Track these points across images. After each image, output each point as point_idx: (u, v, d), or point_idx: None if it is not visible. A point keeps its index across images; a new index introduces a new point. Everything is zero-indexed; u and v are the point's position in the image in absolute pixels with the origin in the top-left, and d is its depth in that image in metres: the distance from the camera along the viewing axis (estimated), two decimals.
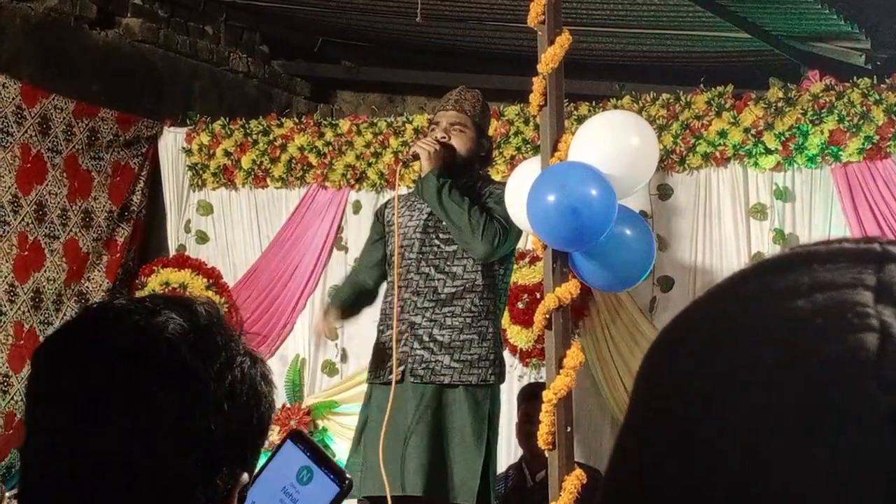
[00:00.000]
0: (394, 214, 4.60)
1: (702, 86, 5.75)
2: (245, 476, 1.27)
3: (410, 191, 4.92)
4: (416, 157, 4.54)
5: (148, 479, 1.20)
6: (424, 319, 4.47)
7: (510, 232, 4.41)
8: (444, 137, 4.53)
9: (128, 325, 1.24)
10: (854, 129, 5.34)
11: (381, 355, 4.55)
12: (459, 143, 4.55)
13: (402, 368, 4.44)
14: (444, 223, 4.47)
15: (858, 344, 0.49)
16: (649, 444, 0.54)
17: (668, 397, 0.54)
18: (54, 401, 1.25)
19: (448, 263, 4.49)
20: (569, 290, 4.01)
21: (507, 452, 5.44)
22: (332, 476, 1.38)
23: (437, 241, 4.52)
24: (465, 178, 4.55)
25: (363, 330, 5.67)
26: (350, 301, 4.76)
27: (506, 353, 5.72)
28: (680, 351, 0.55)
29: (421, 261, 4.52)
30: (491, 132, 5.89)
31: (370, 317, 5.31)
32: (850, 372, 0.48)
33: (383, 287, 4.75)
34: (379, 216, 4.85)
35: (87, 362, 1.23)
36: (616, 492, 0.56)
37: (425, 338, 4.45)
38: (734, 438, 0.50)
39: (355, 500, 4.63)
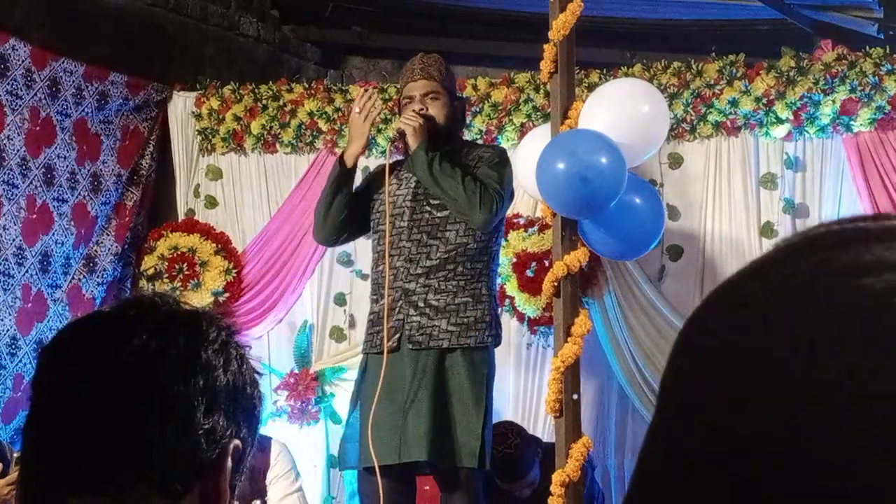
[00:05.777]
0: (384, 184, 4.59)
1: (713, 54, 5.72)
2: (237, 443, 1.30)
3: (398, 159, 4.90)
4: (401, 134, 4.55)
5: (154, 393, 1.25)
6: (418, 286, 4.47)
7: (505, 196, 4.42)
8: (423, 109, 4.54)
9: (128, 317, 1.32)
10: (866, 99, 5.32)
11: (374, 325, 4.55)
12: (437, 111, 4.57)
13: (397, 336, 4.45)
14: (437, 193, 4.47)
15: None
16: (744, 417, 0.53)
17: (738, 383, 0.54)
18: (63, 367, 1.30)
19: (440, 229, 4.49)
20: (577, 257, 4.01)
21: (499, 414, 5.45)
22: None
23: (427, 208, 4.52)
24: (450, 145, 4.56)
25: None
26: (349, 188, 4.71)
27: (514, 321, 5.75)
28: (734, 325, 0.55)
29: (413, 228, 4.52)
30: (501, 99, 5.89)
31: None
32: None
33: (367, 254, 4.71)
34: (368, 177, 4.86)
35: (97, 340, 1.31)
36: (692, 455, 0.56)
37: (420, 304, 4.45)
38: (830, 427, 0.50)
39: (355, 472, 4.65)
